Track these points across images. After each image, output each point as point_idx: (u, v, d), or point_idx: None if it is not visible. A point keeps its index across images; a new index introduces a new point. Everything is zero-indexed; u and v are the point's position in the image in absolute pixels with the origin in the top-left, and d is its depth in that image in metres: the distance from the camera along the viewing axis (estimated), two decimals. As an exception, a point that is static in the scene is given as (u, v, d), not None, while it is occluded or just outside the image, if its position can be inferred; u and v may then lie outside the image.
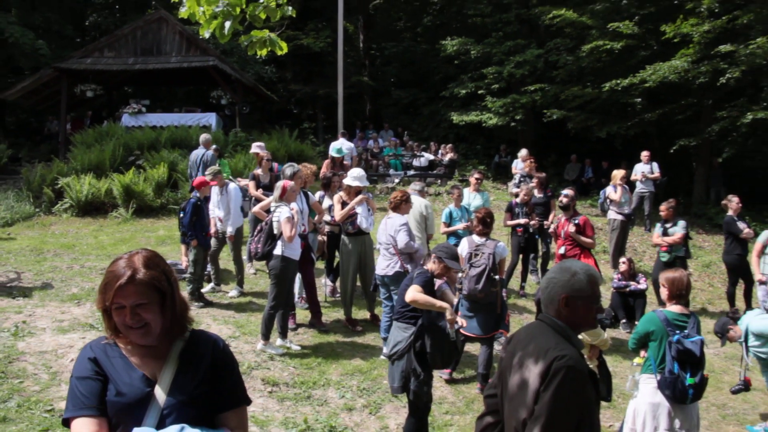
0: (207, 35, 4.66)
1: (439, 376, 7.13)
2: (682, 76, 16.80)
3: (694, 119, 19.57)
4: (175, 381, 2.35)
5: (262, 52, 4.86)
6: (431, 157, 20.68)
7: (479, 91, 21.74)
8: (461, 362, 7.52)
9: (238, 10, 4.51)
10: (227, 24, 4.50)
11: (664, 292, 5.27)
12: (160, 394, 2.31)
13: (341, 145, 16.04)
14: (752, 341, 6.63)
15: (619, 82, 17.73)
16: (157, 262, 2.40)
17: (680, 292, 5.19)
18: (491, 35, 22.38)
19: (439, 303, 5.34)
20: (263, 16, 4.60)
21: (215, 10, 4.49)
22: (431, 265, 5.61)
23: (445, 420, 6.34)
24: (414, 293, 5.29)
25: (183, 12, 4.62)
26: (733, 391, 7.15)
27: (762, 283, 9.31)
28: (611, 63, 19.36)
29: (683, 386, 4.87)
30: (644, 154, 15.33)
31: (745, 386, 6.90)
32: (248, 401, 2.56)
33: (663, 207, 10.64)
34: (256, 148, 11.50)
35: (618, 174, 12.68)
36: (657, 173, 15.15)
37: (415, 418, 5.34)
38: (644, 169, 15.09)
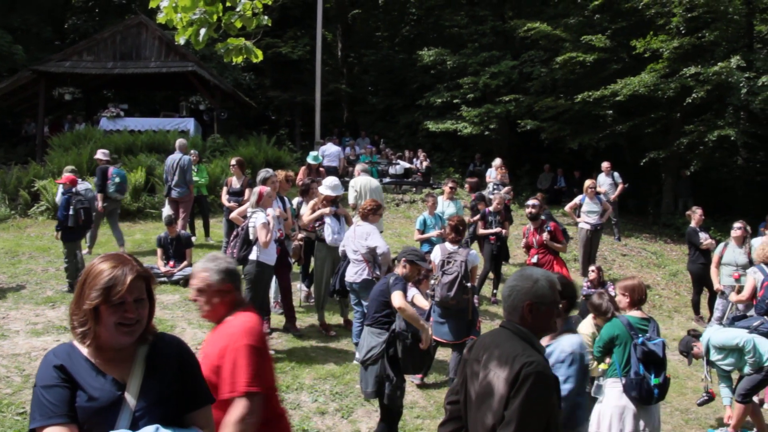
0: (182, 41, 4.73)
1: (410, 380, 7.25)
2: (651, 90, 17.21)
3: (663, 132, 20.02)
4: (144, 384, 2.35)
5: (238, 60, 4.95)
6: (407, 165, 20.88)
7: (455, 101, 22.03)
8: (433, 368, 7.62)
9: (215, 17, 4.58)
10: (202, 31, 4.58)
11: (624, 300, 5.45)
12: (130, 397, 2.32)
13: (322, 152, 16.32)
14: (714, 355, 6.87)
15: (591, 94, 18.10)
16: (140, 262, 2.46)
17: (640, 298, 5.41)
18: (467, 46, 22.71)
19: (422, 322, 5.50)
20: (239, 24, 4.68)
21: (192, 17, 4.56)
22: (401, 270, 5.76)
23: (416, 424, 6.44)
24: (403, 302, 5.43)
25: (161, 18, 4.69)
26: (699, 403, 7.43)
27: (720, 292, 9.61)
28: (584, 75, 19.76)
29: (649, 387, 5.04)
30: (605, 165, 15.43)
31: (710, 398, 7.18)
32: (213, 400, 2.61)
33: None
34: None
35: (588, 184, 12.93)
36: (620, 183, 15.25)
37: (387, 422, 5.46)
38: (606, 180, 15.19)
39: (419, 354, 5.37)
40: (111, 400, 2.30)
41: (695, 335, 7.22)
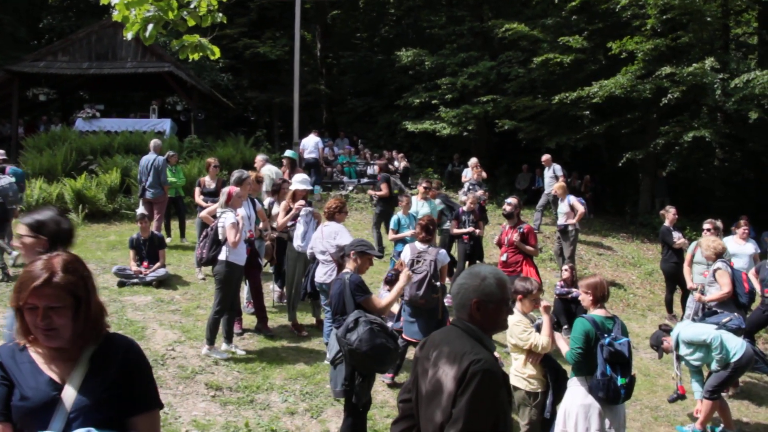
0: (129, 37, 4.67)
1: (381, 380, 7.25)
2: (627, 91, 17.33)
3: (639, 133, 20.21)
4: (84, 384, 2.30)
5: (194, 56, 4.90)
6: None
7: (433, 101, 22.07)
8: (403, 367, 7.62)
9: (171, 14, 4.54)
10: (150, 27, 4.53)
11: (587, 299, 5.45)
12: (67, 397, 2.27)
13: (303, 145, 16.50)
14: (683, 350, 6.93)
15: (568, 94, 18.19)
16: (76, 267, 2.36)
17: (603, 296, 5.40)
18: (445, 47, 22.77)
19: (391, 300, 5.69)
20: (191, 22, 4.64)
21: (146, 14, 4.52)
22: (352, 264, 5.74)
23: (386, 424, 6.43)
24: (374, 302, 5.51)
25: (116, 16, 4.66)
26: (670, 400, 7.48)
27: (693, 290, 9.67)
28: (561, 76, 19.87)
29: (616, 387, 5.04)
30: (544, 158, 15.43)
31: (680, 396, 7.25)
32: (160, 405, 2.53)
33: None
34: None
35: (557, 186, 13.04)
36: (561, 176, 15.16)
37: (353, 418, 5.45)
38: (547, 173, 15.22)
39: (385, 352, 5.31)
40: (44, 401, 2.25)
41: (666, 330, 7.29)
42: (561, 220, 12.70)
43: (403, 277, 6.14)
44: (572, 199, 12.81)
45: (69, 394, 2.28)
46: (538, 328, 5.70)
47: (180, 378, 6.90)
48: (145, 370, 2.49)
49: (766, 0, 18.08)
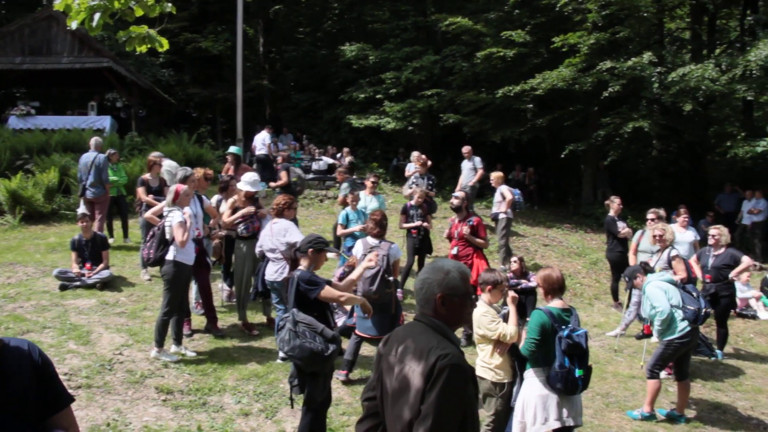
0: (74, 26, 4.48)
1: (336, 377, 7.19)
2: (569, 84, 17.62)
3: (581, 125, 20.56)
4: None
5: (142, 49, 4.74)
6: (330, 160, 20.79)
7: (377, 96, 22.04)
8: (358, 363, 7.58)
9: (116, 4, 4.39)
10: (96, 16, 4.35)
11: (540, 291, 5.53)
12: None
13: (257, 139, 16.36)
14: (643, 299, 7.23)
15: (511, 88, 18.36)
16: None
17: (553, 287, 5.42)
18: (389, 41, 22.75)
19: (348, 296, 5.64)
20: (139, 12, 4.49)
21: (91, 3, 4.35)
22: (306, 261, 5.68)
23: (342, 421, 6.41)
24: (330, 292, 5.45)
25: (57, 5, 4.46)
26: (637, 337, 7.66)
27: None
28: (504, 70, 20.03)
29: (573, 378, 5.10)
30: (465, 150, 15.37)
31: (645, 335, 7.61)
32: (72, 399, 2.51)
33: None
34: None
35: (493, 175, 13.22)
36: (480, 168, 15.18)
37: (311, 415, 5.39)
38: (467, 165, 15.22)
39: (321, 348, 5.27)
40: None
41: (645, 269, 7.48)
42: (494, 209, 12.90)
43: (365, 262, 6.14)
44: (503, 188, 12.97)
45: None
46: (505, 318, 5.72)
47: (129, 383, 6.71)
48: (53, 368, 2.46)
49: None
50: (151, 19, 4.52)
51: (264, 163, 17.46)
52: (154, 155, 11.16)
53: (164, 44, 4.68)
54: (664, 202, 16.15)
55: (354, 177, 13.63)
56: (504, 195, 12.76)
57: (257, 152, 17.70)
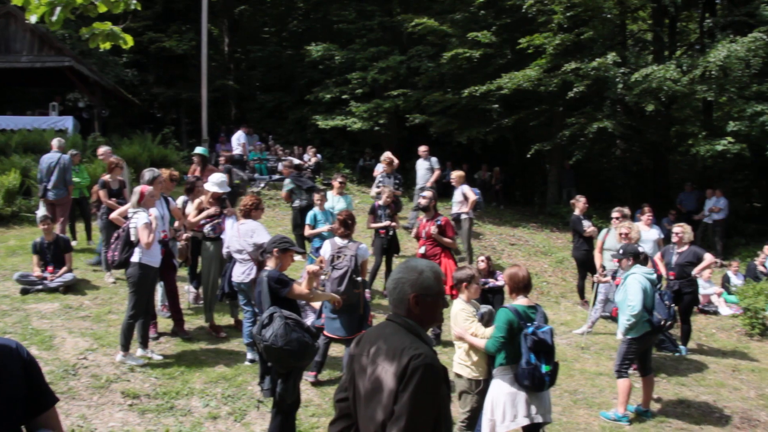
0: (33, 20, 4.35)
1: (305, 379, 7.16)
2: (535, 84, 17.78)
3: (546, 125, 20.76)
4: None
5: (105, 46, 4.61)
6: (296, 161, 20.66)
7: (344, 96, 21.98)
8: (326, 364, 7.55)
9: (78, 0, 4.29)
10: (57, 10, 4.23)
11: (507, 288, 5.57)
12: None
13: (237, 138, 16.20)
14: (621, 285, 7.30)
15: (477, 88, 18.46)
16: None
17: (519, 286, 5.47)
18: (355, 41, 22.70)
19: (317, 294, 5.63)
20: (103, 8, 4.38)
21: None
22: (273, 262, 5.63)
23: (311, 422, 6.39)
24: (299, 290, 5.47)
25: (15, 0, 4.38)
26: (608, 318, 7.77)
27: (602, 275, 10.01)
28: (470, 70, 20.14)
29: (540, 375, 5.14)
30: (422, 149, 15.14)
31: (614, 318, 7.71)
32: (57, 399, 2.53)
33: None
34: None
35: (454, 174, 13.24)
36: (437, 168, 15.03)
37: (281, 417, 5.36)
38: (423, 164, 14.94)
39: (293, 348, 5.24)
40: None
41: (642, 255, 7.57)
42: (454, 209, 12.92)
43: (310, 267, 6.16)
44: (465, 188, 12.98)
45: None
46: (483, 317, 5.75)
47: (94, 388, 6.60)
48: (39, 367, 2.46)
49: (658, -2, 18.93)
50: (115, 16, 4.42)
51: (237, 163, 17.44)
52: (108, 155, 11.06)
53: (129, 41, 4.56)
54: (628, 201, 16.40)
55: (297, 173, 13.54)
56: (467, 195, 12.78)
57: (234, 152, 17.84)
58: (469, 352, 5.67)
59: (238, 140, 17.77)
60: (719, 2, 22.40)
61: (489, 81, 18.42)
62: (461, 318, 5.66)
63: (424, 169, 14.88)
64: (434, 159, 15.11)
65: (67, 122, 18.65)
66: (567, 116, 19.32)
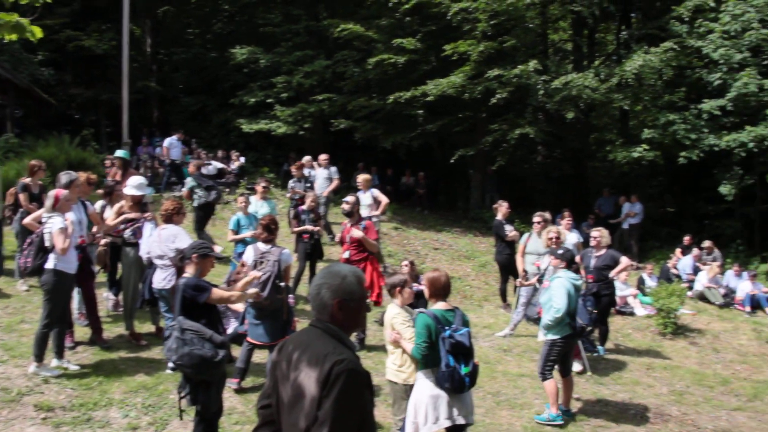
0: None
1: (228, 386, 7.05)
2: (459, 91, 18.05)
3: (470, 131, 21.09)
4: None
5: (12, 37, 4.41)
6: (220, 165, 20.38)
7: (268, 100, 21.82)
8: (250, 371, 7.45)
9: None
10: None
11: (426, 292, 5.63)
12: None
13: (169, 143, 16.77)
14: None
15: (402, 94, 18.63)
16: None
17: (439, 291, 5.53)
18: (281, 45, 22.54)
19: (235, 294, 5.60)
20: None
21: None
22: (192, 268, 5.55)
23: (235, 430, 6.31)
24: (219, 294, 5.40)
25: None
26: (534, 319, 8.11)
27: (524, 278, 10.22)
28: (395, 76, 20.29)
29: (460, 376, 5.19)
30: (321, 158, 15.10)
31: (539, 318, 7.70)
32: None
33: None
34: None
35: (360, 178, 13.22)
36: (336, 178, 14.99)
37: (203, 425, 5.27)
38: (322, 173, 14.84)
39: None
40: None
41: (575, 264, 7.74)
42: (365, 213, 12.87)
43: (249, 277, 6.08)
44: (375, 191, 12.98)
45: None
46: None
47: (3, 402, 6.32)
48: None
49: (577, 10, 19.44)
50: (23, 8, 4.24)
51: (177, 169, 17.46)
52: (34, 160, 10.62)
53: (37, 33, 4.37)
54: (549, 206, 16.76)
55: (201, 173, 13.40)
56: (378, 199, 12.73)
57: (172, 157, 17.92)
58: (403, 357, 5.70)
59: (170, 144, 17.67)
60: (634, 16, 23.28)
61: (414, 87, 18.60)
62: (398, 323, 5.70)
63: (323, 178, 14.72)
64: (333, 168, 15.04)
65: (-23, 122, 17.92)
66: (490, 122, 19.70)
